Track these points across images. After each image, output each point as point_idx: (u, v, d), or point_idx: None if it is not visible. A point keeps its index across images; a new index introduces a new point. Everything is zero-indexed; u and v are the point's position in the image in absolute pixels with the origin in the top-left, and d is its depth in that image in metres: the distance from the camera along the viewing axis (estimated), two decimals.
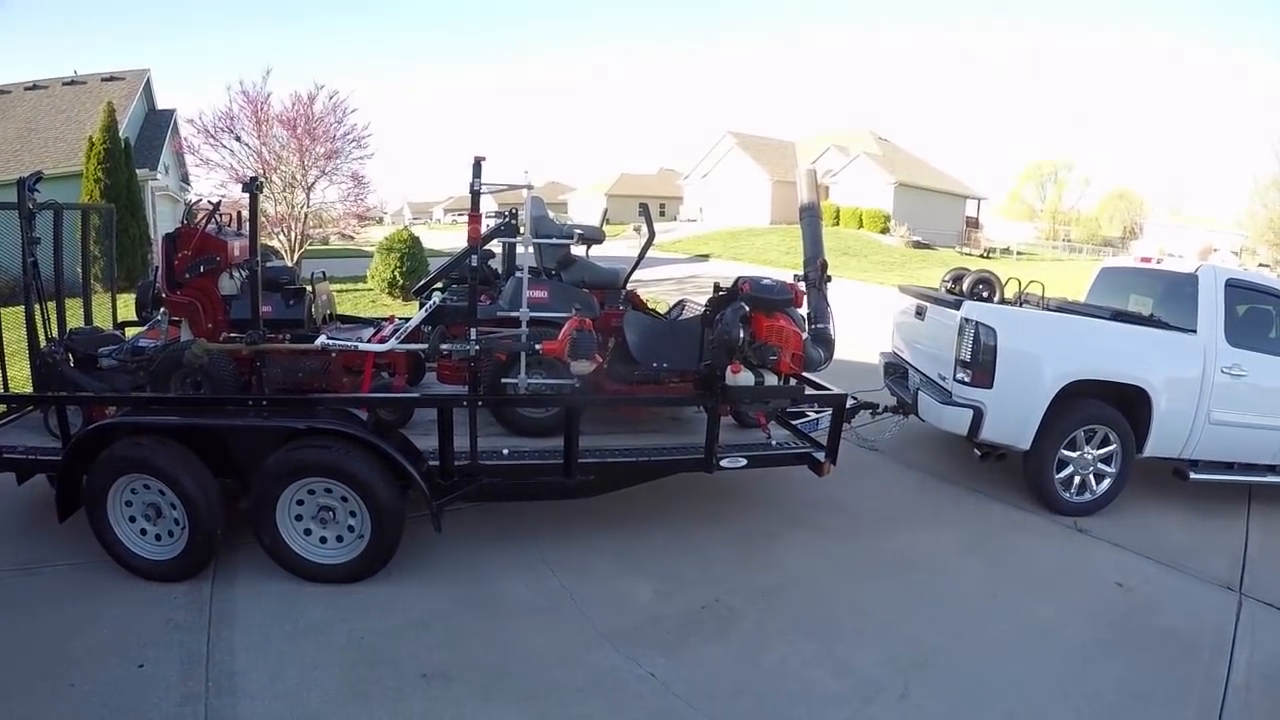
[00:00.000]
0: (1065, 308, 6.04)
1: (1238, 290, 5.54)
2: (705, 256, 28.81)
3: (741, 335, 4.24)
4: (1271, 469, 5.66)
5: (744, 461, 4.50)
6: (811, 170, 5.56)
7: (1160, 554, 4.89)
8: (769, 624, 3.77)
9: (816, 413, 5.06)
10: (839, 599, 4.02)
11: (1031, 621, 3.92)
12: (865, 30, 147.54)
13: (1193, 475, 5.44)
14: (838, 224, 39.64)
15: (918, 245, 36.83)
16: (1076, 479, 5.33)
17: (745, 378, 4.29)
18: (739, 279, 4.58)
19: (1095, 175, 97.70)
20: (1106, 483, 5.36)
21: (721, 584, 4.12)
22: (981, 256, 39.00)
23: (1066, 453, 5.25)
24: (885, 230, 38.88)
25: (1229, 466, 5.58)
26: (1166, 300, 5.79)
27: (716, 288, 4.83)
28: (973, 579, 4.33)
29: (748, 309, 4.39)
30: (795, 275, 5.01)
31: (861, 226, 39.77)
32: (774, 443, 4.76)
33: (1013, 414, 5.10)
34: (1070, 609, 4.08)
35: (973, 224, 46.59)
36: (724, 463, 4.39)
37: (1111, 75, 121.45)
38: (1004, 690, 3.33)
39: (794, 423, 5.04)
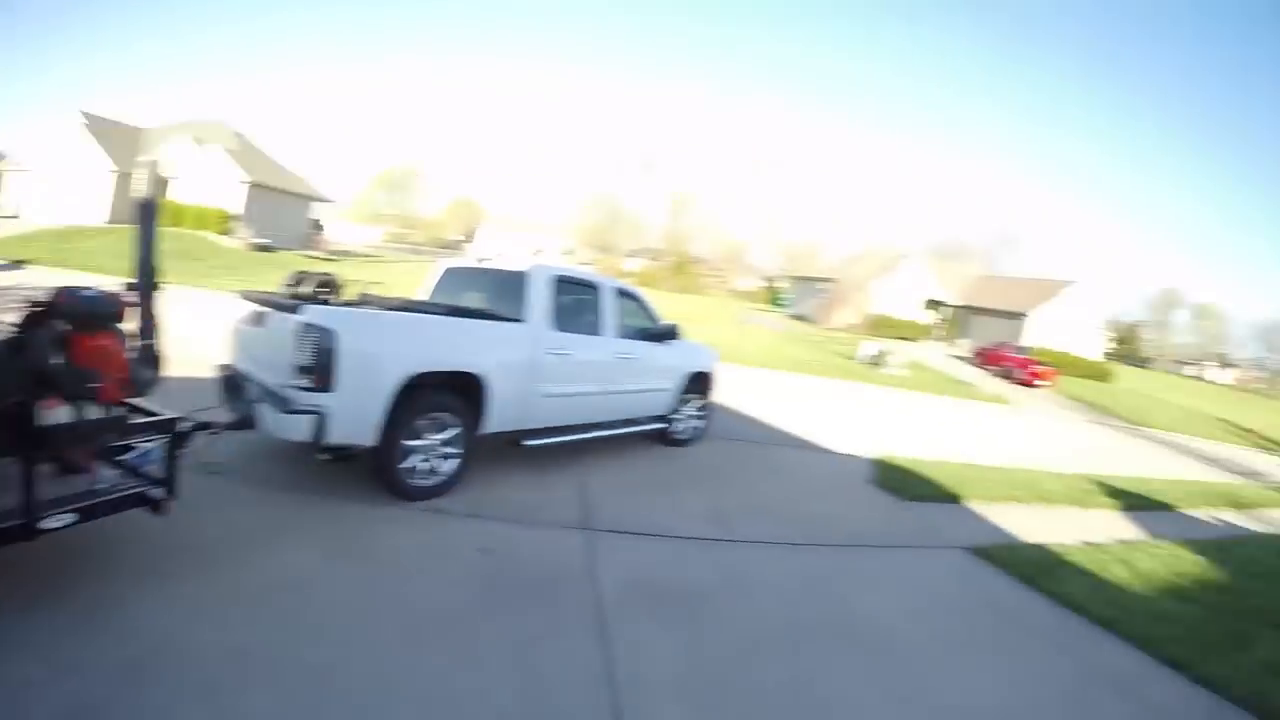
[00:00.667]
0: (407, 306, 6.24)
1: (563, 284, 6.57)
2: (20, 263, 22.42)
3: (55, 360, 3.49)
4: (592, 426, 6.98)
5: (73, 517, 3.51)
6: (153, 162, 4.19)
7: (515, 515, 5.48)
8: (146, 700, 3.03)
9: (148, 442, 4.19)
10: (211, 648, 3.45)
11: (413, 605, 3.99)
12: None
13: (526, 443, 6.22)
14: (179, 224, 34.80)
15: (261, 248, 34.87)
16: (424, 465, 5.50)
17: (65, 412, 3.50)
18: (57, 290, 3.72)
19: (442, 182, 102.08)
20: (453, 463, 5.67)
21: (77, 674, 3.11)
22: (326, 259, 38.59)
23: (411, 442, 5.39)
24: (227, 231, 35.77)
25: (559, 430, 6.57)
26: (501, 295, 6.48)
27: (31, 303, 3.76)
28: (345, 583, 4.18)
29: (65, 327, 3.61)
30: (126, 284, 4.23)
31: (204, 227, 35.73)
32: (103, 486, 3.85)
33: (356, 413, 5.03)
34: (446, 583, 4.28)
35: (317, 227, 45.96)
36: (49, 524, 3.40)
37: (463, 93, 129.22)
38: (418, 680, 3.35)
39: (122, 458, 4.13)
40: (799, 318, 46.40)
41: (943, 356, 37.88)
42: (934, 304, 49.19)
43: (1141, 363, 77.82)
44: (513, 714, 3.22)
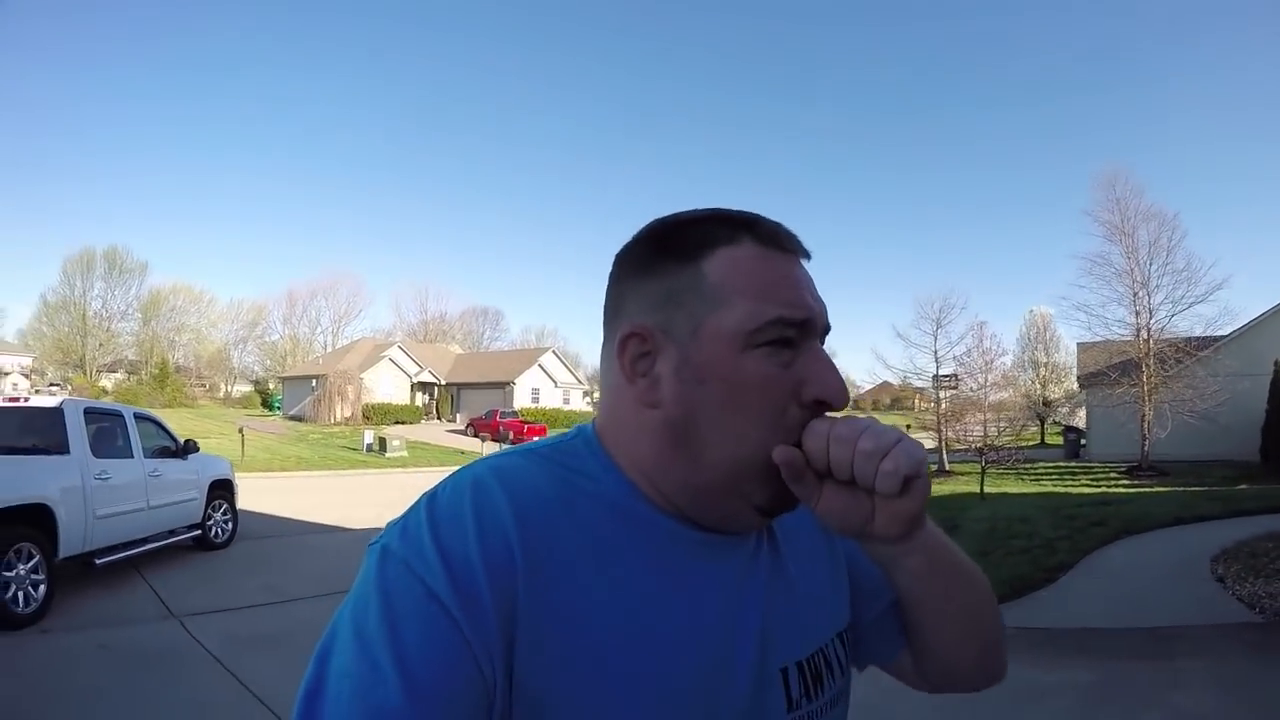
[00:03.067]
0: None
1: (91, 414, 7.82)
2: None
3: None
4: (143, 541, 8.21)
5: None
6: None
7: (112, 620, 6.64)
8: None
9: None
10: None
11: (70, 688, 5.24)
12: None
13: (98, 562, 7.38)
14: None
15: None
16: (20, 593, 6.39)
17: None
18: None
19: None
20: (43, 588, 6.62)
21: None
22: None
23: (5, 574, 6.28)
24: None
25: (119, 547, 7.77)
26: (42, 430, 7.40)
27: None
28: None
29: None
30: None
31: None
32: None
33: None
34: (88, 673, 5.51)
35: None
36: None
37: None
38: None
39: None
40: (296, 418, 46.55)
41: (441, 433, 41.62)
42: (423, 386, 52.99)
43: None
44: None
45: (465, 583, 0.64)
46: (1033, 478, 21.03)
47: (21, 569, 6.39)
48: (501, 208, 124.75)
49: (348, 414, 44.80)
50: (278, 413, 52.29)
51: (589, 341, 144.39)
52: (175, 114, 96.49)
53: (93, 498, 7.30)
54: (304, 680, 0.64)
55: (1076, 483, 19.48)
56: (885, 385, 26.43)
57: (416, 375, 52.27)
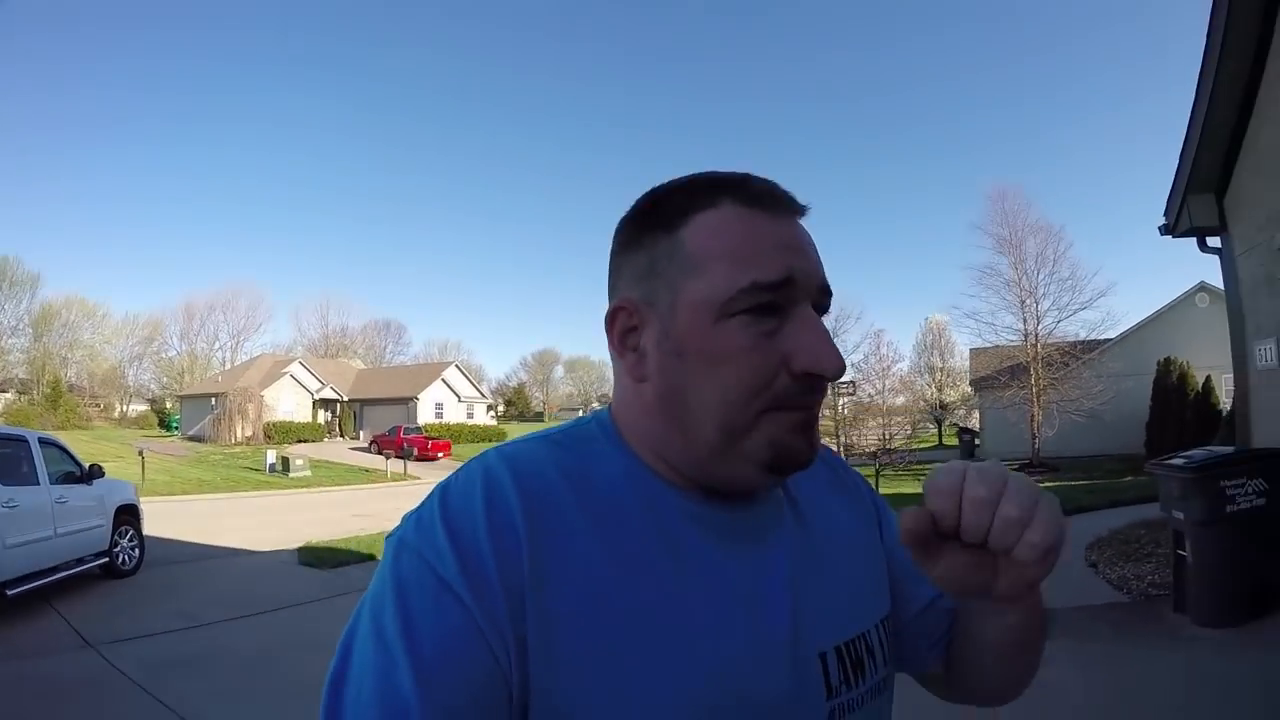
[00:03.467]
0: None
1: (24, 444, 7.84)
2: None
3: None
4: (51, 570, 8.16)
5: None
6: None
7: (29, 651, 6.71)
8: None
9: None
10: None
11: None
12: None
13: (10, 593, 7.35)
14: None
15: None
16: None
17: None
18: None
19: None
20: None
21: None
22: None
23: None
24: None
25: (31, 576, 7.73)
26: None
27: None
28: None
29: None
30: None
31: None
32: None
33: None
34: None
35: None
36: None
37: None
38: None
39: None
40: (195, 438, 45.12)
41: (345, 451, 41.01)
42: (325, 403, 52.11)
43: (535, 417, 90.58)
44: None
45: (477, 571, 0.65)
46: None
47: None
48: (404, 218, 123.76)
49: (249, 433, 43.62)
50: (176, 433, 50.49)
51: (492, 354, 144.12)
52: (64, 117, 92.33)
53: (2, 527, 7.31)
54: (330, 669, 0.65)
55: None
56: None
57: (318, 392, 51.26)
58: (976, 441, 31.58)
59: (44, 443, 8.86)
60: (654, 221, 0.77)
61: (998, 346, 27.85)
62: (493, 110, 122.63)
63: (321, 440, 47.22)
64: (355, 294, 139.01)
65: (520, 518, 0.68)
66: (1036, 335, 25.57)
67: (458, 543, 0.66)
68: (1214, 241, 7.95)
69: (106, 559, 9.51)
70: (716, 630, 0.71)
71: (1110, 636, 6.14)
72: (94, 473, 9.47)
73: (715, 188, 0.76)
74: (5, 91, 76.89)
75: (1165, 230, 8.36)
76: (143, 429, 54.86)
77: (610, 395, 0.89)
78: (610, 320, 0.79)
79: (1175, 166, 7.90)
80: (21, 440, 8.43)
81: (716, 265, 0.72)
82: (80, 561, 8.87)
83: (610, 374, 0.87)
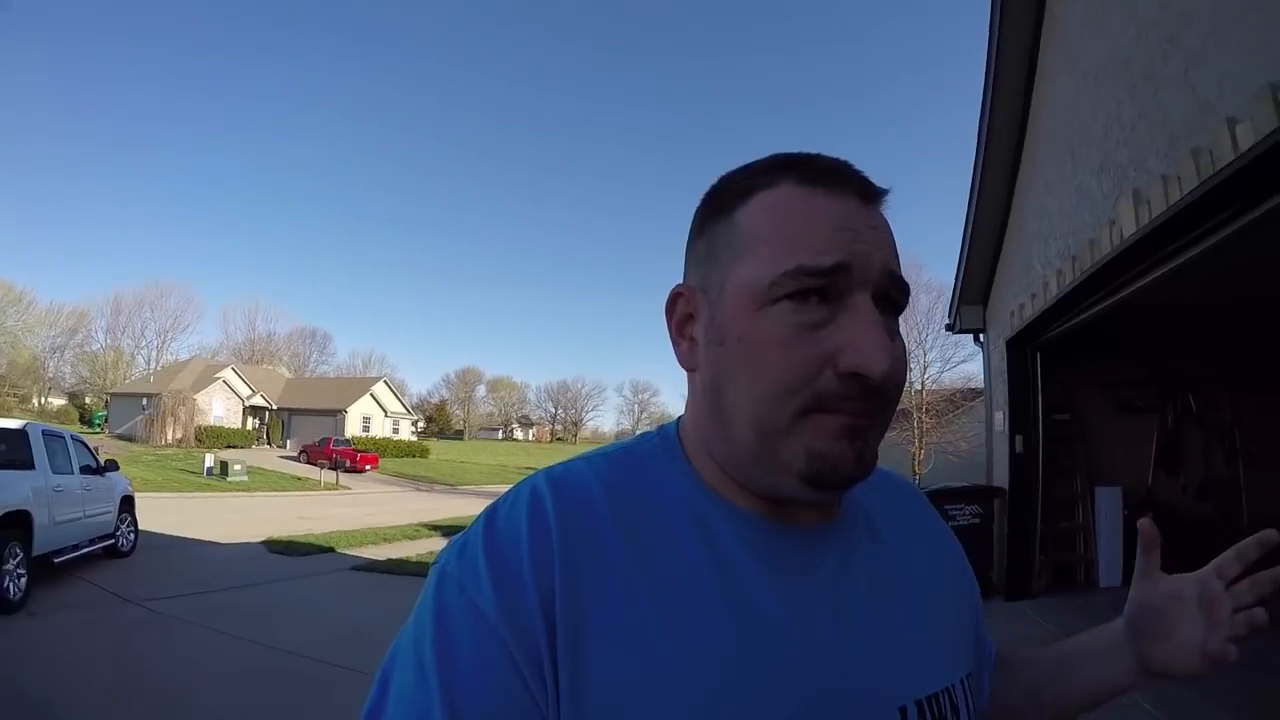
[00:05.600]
0: None
1: (47, 435, 9.66)
2: None
3: None
4: (82, 545, 9.98)
5: None
6: None
7: (87, 603, 8.52)
8: None
9: None
10: None
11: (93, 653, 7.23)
12: None
13: (56, 560, 9.20)
14: None
15: None
16: (11, 585, 8.11)
17: None
18: None
19: None
20: (25, 580, 8.37)
21: None
22: None
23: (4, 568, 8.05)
24: None
25: (69, 549, 9.54)
26: (11, 448, 9.13)
27: None
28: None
29: None
30: None
31: None
32: None
33: None
34: (113, 636, 7.53)
35: None
36: None
37: None
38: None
39: None
40: (125, 437, 45.46)
41: (275, 459, 42.11)
42: (255, 410, 53.00)
43: (455, 435, 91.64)
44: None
45: (517, 605, 0.62)
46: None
47: (11, 564, 8.15)
48: (337, 226, 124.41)
49: (179, 435, 44.19)
50: (99, 430, 50.71)
51: (416, 370, 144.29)
52: None
53: (54, 505, 9.12)
54: (368, 701, 0.64)
55: None
56: None
57: (249, 399, 51.90)
58: None
59: (74, 439, 10.69)
60: (716, 205, 0.73)
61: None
62: (427, 126, 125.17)
63: (250, 447, 47.91)
64: (285, 300, 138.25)
65: (557, 551, 0.64)
66: (923, 384, 28.74)
67: (498, 574, 0.63)
68: (982, 338, 10.68)
69: (111, 541, 11.29)
70: (775, 677, 0.63)
71: None
72: (109, 466, 11.28)
73: (776, 168, 0.70)
74: None
75: (948, 328, 11.24)
76: (63, 423, 54.75)
77: None
78: (669, 307, 0.75)
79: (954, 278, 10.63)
80: (60, 437, 10.22)
81: (764, 248, 0.66)
82: (93, 541, 10.64)
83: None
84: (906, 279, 0.69)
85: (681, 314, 0.75)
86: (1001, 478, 9.27)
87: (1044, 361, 8.83)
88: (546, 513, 0.67)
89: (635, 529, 0.68)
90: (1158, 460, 9.39)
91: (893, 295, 0.68)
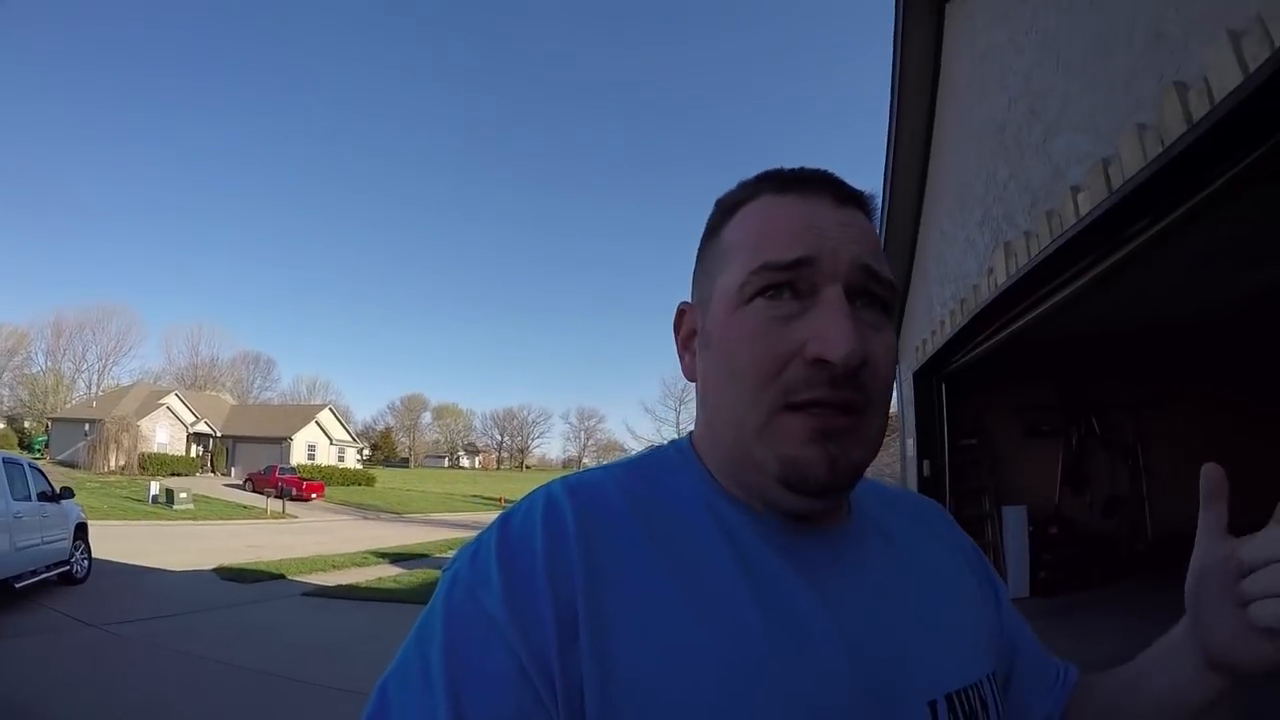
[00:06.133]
0: None
1: (5, 462, 9.98)
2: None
3: None
4: (40, 570, 10.34)
5: None
6: None
7: (45, 628, 8.86)
8: None
9: None
10: None
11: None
12: None
13: (18, 585, 9.56)
14: None
15: None
16: None
17: None
18: None
19: None
20: None
21: None
22: None
23: None
24: None
25: (29, 574, 9.91)
26: None
27: None
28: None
29: None
30: None
31: None
32: None
33: None
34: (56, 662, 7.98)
35: None
36: None
37: None
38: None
39: None
40: (67, 463, 44.54)
41: (221, 487, 41.79)
42: (199, 437, 52.53)
43: (400, 462, 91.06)
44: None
45: (528, 611, 0.61)
46: None
47: None
48: (280, 250, 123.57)
49: (123, 462, 43.46)
50: (39, 455, 49.64)
51: (360, 398, 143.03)
52: None
53: (13, 533, 9.50)
54: (369, 705, 0.63)
55: None
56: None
57: (193, 425, 51.26)
58: None
59: (30, 466, 11.07)
60: (711, 227, 0.78)
61: None
62: (369, 144, 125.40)
63: (195, 474, 47.28)
64: (227, 324, 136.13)
65: (577, 553, 0.64)
66: None
67: (511, 580, 0.63)
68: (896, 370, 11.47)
69: (67, 567, 11.56)
70: (812, 673, 0.64)
71: None
72: (64, 494, 11.60)
73: (758, 181, 0.75)
74: None
75: None
76: (1, 448, 53.53)
77: None
78: (676, 324, 0.80)
79: None
80: (17, 463, 10.61)
81: (739, 253, 0.71)
82: (50, 568, 10.95)
83: None
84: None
85: (686, 330, 0.79)
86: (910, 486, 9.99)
87: (952, 390, 9.56)
88: (564, 518, 0.67)
89: (658, 531, 0.68)
90: (1064, 479, 10.17)
91: (870, 289, 0.69)
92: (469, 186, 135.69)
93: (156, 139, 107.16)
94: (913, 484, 10.03)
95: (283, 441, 51.40)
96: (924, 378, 9.61)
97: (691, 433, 0.82)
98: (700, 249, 0.80)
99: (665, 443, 0.84)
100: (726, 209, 0.76)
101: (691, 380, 0.78)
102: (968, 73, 6.84)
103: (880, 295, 0.71)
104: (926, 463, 9.56)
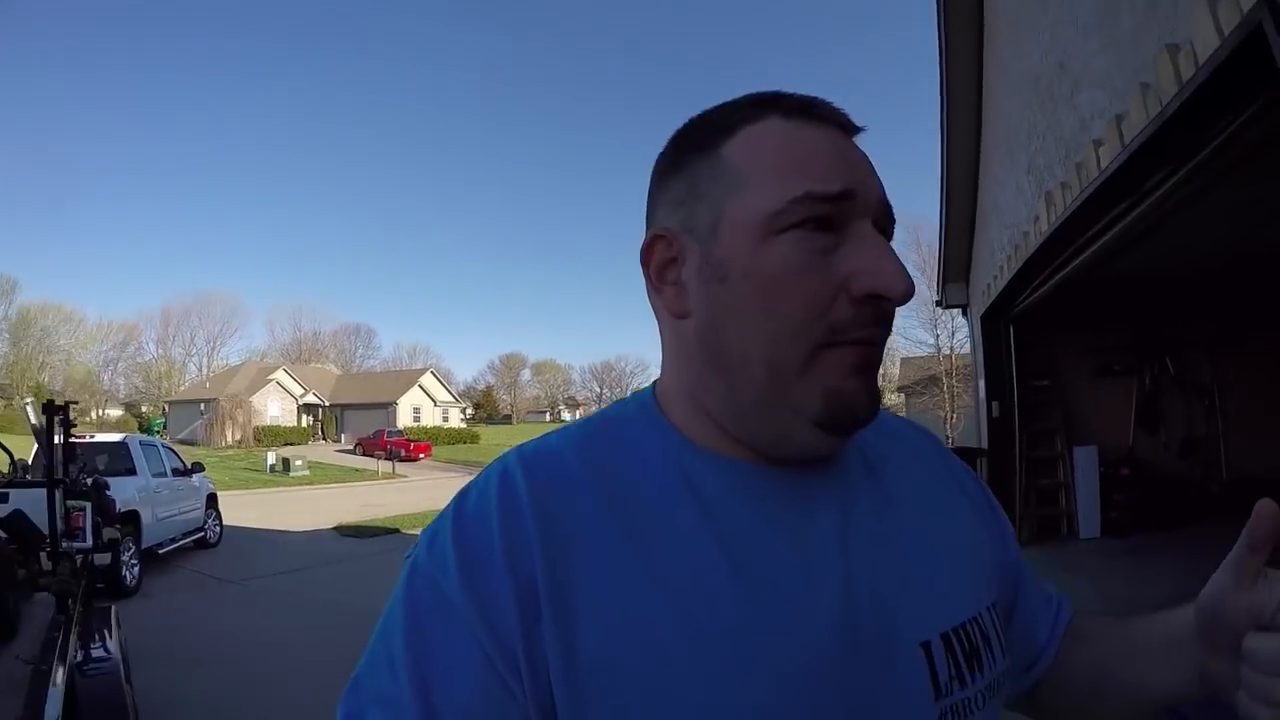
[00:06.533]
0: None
1: (144, 445, 11.10)
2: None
3: None
4: (179, 537, 11.38)
5: None
6: None
7: (193, 586, 9.81)
8: None
9: None
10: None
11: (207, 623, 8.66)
12: None
13: (160, 550, 10.59)
14: None
15: None
16: (128, 572, 9.38)
17: None
18: None
19: None
20: (138, 568, 9.70)
21: None
22: None
23: (122, 558, 9.40)
24: None
25: (170, 541, 10.91)
26: (116, 458, 10.55)
27: None
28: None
29: None
30: None
31: None
32: None
33: None
34: (213, 610, 8.90)
35: None
36: None
37: None
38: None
39: None
40: (186, 441, 47.31)
41: (332, 453, 43.99)
42: (308, 408, 55.05)
43: (504, 419, 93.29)
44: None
45: (489, 595, 0.59)
46: None
47: (126, 556, 9.42)
48: (372, 219, 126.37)
49: (238, 437, 46.50)
50: (157, 436, 52.51)
51: (460, 359, 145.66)
52: (37, 123, 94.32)
53: (155, 505, 10.53)
54: (342, 704, 0.62)
55: None
56: None
57: (302, 397, 54.07)
58: None
59: (164, 447, 12.21)
60: (693, 142, 0.70)
61: (924, 357, 32.28)
62: (465, 110, 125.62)
63: (307, 443, 49.86)
64: (326, 299, 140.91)
65: (534, 530, 0.62)
66: (952, 349, 29.70)
67: (467, 560, 0.61)
68: (968, 312, 11.42)
69: (201, 533, 12.69)
70: (784, 628, 0.61)
71: None
72: (195, 469, 12.68)
73: (758, 103, 0.68)
74: None
75: (937, 304, 12.00)
76: (124, 433, 56.43)
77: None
78: (646, 253, 0.70)
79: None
80: (153, 445, 11.71)
81: (764, 176, 0.64)
82: (187, 535, 12.06)
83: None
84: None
85: (661, 260, 0.70)
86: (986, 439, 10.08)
87: (1022, 331, 9.47)
88: (519, 495, 0.64)
89: (619, 499, 0.65)
90: (1137, 420, 9.99)
91: (885, 227, 0.67)
92: (576, 138, 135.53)
93: (248, 132, 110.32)
94: (984, 425, 10.08)
95: (388, 406, 53.43)
96: (991, 320, 9.56)
97: (654, 383, 0.78)
98: (677, 167, 0.70)
99: (627, 396, 0.80)
100: (720, 128, 0.68)
101: (680, 316, 0.69)
102: (1005, 25, 6.84)
103: (889, 233, 0.68)
104: (996, 404, 9.55)
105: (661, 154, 0.73)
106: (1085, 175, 4.45)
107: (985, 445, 10.01)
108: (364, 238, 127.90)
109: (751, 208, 0.63)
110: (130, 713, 3.21)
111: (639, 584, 0.61)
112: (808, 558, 0.65)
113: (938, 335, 30.16)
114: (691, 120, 0.73)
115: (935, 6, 7.93)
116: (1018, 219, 6.82)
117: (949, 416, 28.85)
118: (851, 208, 0.63)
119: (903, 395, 36.82)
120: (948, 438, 28.29)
